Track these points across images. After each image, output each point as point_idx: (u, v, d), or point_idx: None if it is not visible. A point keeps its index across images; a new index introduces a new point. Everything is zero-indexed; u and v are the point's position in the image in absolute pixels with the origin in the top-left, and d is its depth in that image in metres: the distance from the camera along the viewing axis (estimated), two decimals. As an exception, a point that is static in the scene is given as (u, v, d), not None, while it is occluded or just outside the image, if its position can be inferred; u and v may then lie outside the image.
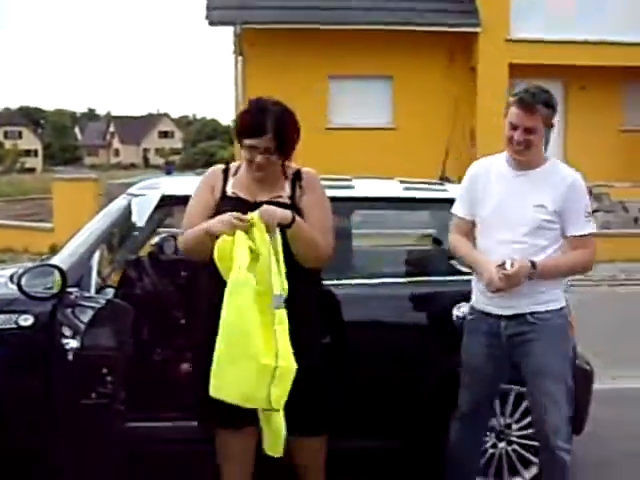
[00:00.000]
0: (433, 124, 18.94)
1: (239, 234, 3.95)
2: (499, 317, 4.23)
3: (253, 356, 3.80)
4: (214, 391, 3.92)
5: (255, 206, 4.13)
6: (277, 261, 3.97)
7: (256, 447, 4.23)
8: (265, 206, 4.06)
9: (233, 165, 4.36)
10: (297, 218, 4.09)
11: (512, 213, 4.16)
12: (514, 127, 4.15)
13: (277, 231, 4.01)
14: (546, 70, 18.92)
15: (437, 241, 5.68)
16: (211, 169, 4.43)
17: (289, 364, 3.83)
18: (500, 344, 4.25)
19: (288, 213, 4.06)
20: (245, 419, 4.05)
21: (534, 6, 19.88)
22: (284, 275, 3.97)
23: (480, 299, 4.32)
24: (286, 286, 3.95)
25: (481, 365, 4.31)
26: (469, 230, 4.37)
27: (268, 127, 4.05)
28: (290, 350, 3.86)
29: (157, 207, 4.71)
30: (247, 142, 4.10)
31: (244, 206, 4.15)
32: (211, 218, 4.14)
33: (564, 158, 20.60)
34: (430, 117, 19.66)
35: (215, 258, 4.01)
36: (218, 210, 4.17)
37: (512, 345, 4.23)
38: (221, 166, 4.38)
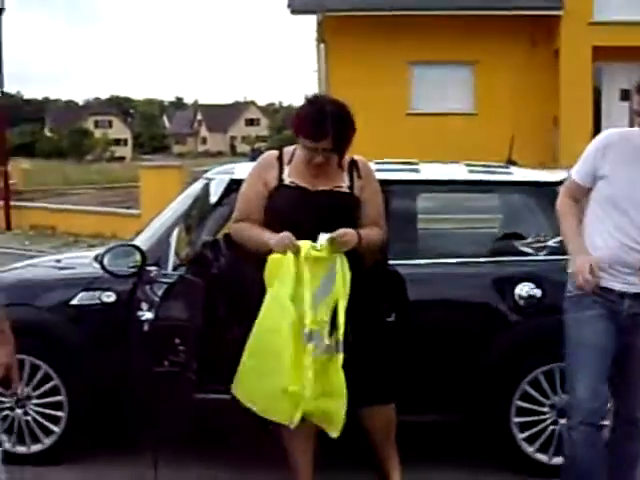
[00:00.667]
0: (514, 110, 18.87)
1: (289, 258, 4.09)
2: (622, 294, 3.95)
3: (280, 380, 4.00)
4: (240, 395, 4.15)
5: (316, 194, 4.31)
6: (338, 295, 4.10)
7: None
8: (338, 234, 4.17)
9: (287, 151, 4.45)
10: (362, 234, 4.25)
11: None
12: (637, 113, 3.86)
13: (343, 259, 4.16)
14: (630, 52, 18.67)
15: (502, 223, 5.81)
16: (264, 155, 4.54)
17: (313, 396, 4.03)
18: (619, 324, 3.96)
19: (354, 237, 4.21)
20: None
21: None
22: (341, 320, 4.07)
23: (604, 276, 3.95)
24: (341, 332, 4.07)
25: (602, 342, 3.95)
26: (582, 196, 4.10)
27: (328, 130, 4.16)
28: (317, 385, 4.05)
29: (228, 191, 4.93)
30: (307, 144, 4.23)
31: (304, 194, 4.32)
32: (269, 204, 4.31)
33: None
34: (513, 102, 19.58)
35: (267, 270, 4.18)
36: (276, 198, 4.33)
37: (634, 324, 3.96)
38: (275, 153, 4.48)
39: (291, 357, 4.00)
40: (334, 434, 4.21)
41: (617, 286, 3.95)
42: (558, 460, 4.96)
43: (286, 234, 4.15)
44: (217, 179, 5.24)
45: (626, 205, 3.90)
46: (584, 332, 3.98)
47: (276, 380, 4.01)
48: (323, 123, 4.17)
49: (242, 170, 4.89)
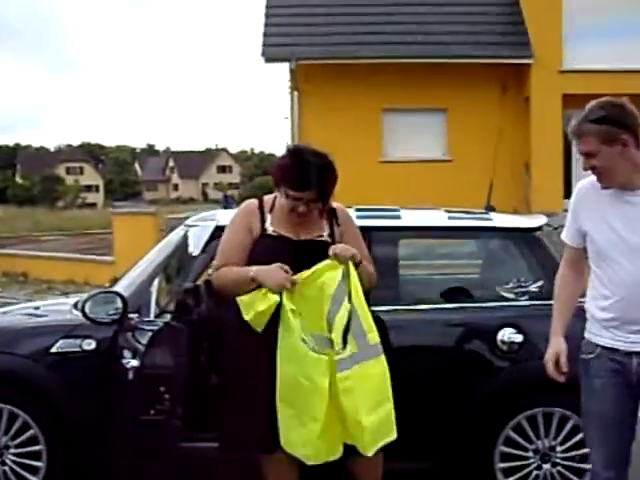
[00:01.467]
0: (488, 155, 18.96)
1: (286, 296, 4.11)
2: (629, 354, 3.65)
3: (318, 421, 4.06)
4: (286, 446, 4.14)
5: (299, 245, 4.33)
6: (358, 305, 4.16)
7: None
8: (340, 245, 4.24)
9: (267, 200, 4.47)
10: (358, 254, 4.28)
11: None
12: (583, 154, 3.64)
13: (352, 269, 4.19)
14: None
15: (482, 268, 5.84)
16: (245, 204, 4.53)
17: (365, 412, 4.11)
18: (630, 384, 3.66)
19: (352, 249, 4.25)
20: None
21: (586, 37, 19.92)
22: (366, 319, 4.16)
23: (603, 334, 3.74)
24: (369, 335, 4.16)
25: (611, 411, 3.68)
26: (580, 259, 3.88)
27: (312, 182, 4.20)
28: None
29: (212, 237, 4.93)
30: (291, 194, 4.24)
31: (288, 245, 4.33)
32: (252, 254, 4.31)
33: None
34: (485, 148, 19.70)
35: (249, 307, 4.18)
36: (260, 248, 4.33)
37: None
38: (255, 201, 4.48)
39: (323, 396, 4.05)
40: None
41: (622, 345, 3.67)
42: (542, 504, 4.99)
43: (278, 265, 4.15)
44: (200, 226, 5.23)
45: (615, 254, 3.63)
46: (593, 401, 3.74)
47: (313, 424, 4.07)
48: (307, 174, 4.20)
49: (225, 217, 4.90)
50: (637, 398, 3.68)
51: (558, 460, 5.01)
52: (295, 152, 4.38)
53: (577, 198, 3.81)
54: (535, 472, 5.00)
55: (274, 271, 4.17)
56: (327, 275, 4.16)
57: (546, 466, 5.00)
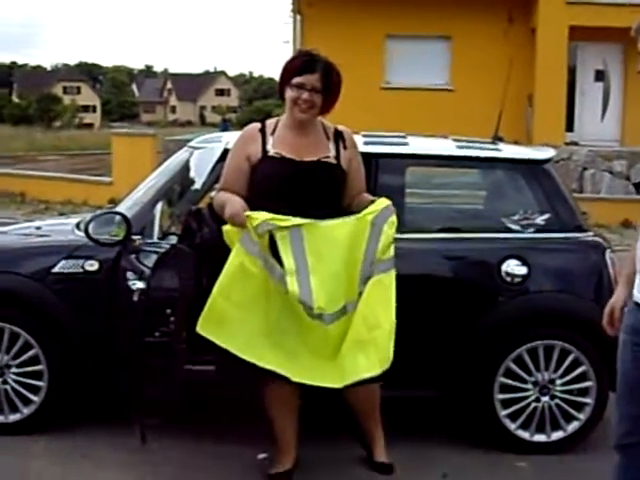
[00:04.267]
0: (491, 86, 18.79)
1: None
2: None
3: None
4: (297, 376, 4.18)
5: (303, 165, 4.29)
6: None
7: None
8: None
9: (269, 122, 4.46)
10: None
11: None
12: None
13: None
14: (606, 33, 18.68)
15: (488, 199, 5.79)
16: (246, 129, 4.52)
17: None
18: None
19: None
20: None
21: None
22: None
23: (637, 286, 3.35)
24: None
25: (628, 371, 3.36)
26: None
27: (318, 67, 4.26)
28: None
29: (219, 160, 4.86)
30: (296, 80, 4.26)
31: (291, 165, 4.29)
32: (255, 177, 4.31)
33: (622, 124, 20.38)
34: (489, 79, 19.52)
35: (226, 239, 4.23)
36: (261, 170, 4.31)
37: None
38: (257, 125, 4.47)
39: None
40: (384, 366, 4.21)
41: None
42: (540, 437, 5.03)
43: (238, 201, 4.19)
44: (206, 147, 5.17)
45: None
46: (618, 357, 3.43)
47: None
48: (313, 61, 4.30)
49: (232, 139, 4.83)
50: None
51: (557, 393, 5.01)
52: (302, 50, 4.57)
53: None
54: (533, 404, 5.01)
55: (232, 204, 4.19)
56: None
57: (544, 398, 5.01)
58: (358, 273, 4.19)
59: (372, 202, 4.31)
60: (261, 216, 4.09)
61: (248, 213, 4.11)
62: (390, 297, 4.25)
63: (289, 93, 4.30)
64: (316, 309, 4.08)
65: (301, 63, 4.30)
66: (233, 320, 4.11)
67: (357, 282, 4.21)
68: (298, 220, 4.11)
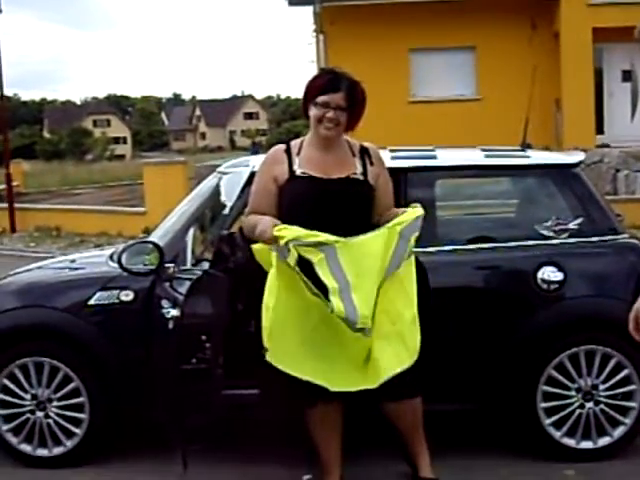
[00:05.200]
0: (518, 93, 18.69)
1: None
2: None
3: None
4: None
5: (331, 183, 4.29)
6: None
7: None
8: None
9: (294, 143, 4.47)
10: None
11: None
12: None
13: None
14: (630, 33, 18.48)
15: (520, 207, 5.74)
16: (271, 151, 4.54)
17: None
18: None
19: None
20: (330, 394, 4.19)
21: (616, -32, 19.47)
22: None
23: None
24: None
25: None
26: None
27: (342, 86, 4.27)
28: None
29: (247, 184, 4.87)
30: (321, 99, 4.27)
31: (318, 184, 4.30)
32: (283, 198, 4.30)
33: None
34: (515, 86, 19.44)
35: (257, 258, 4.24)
36: (289, 190, 4.31)
37: None
38: (282, 146, 4.49)
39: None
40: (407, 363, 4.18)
41: None
42: (586, 444, 4.97)
43: (269, 217, 4.17)
44: (234, 172, 5.20)
45: None
46: None
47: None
48: (337, 79, 4.30)
49: (258, 162, 4.84)
50: None
51: (601, 398, 4.96)
52: (326, 68, 4.44)
53: None
54: (578, 411, 4.95)
55: (263, 222, 4.17)
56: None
57: (589, 404, 4.96)
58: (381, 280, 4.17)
59: (403, 212, 4.29)
60: (291, 232, 4.07)
61: (278, 228, 4.10)
62: (408, 287, 4.23)
63: (314, 111, 4.31)
64: (359, 324, 4.06)
65: (325, 82, 4.30)
66: (278, 335, 4.09)
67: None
68: (328, 236, 4.08)
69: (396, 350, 4.16)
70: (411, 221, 4.22)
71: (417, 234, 4.26)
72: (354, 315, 4.04)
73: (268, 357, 4.04)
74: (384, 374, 4.13)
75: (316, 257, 4.04)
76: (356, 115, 4.37)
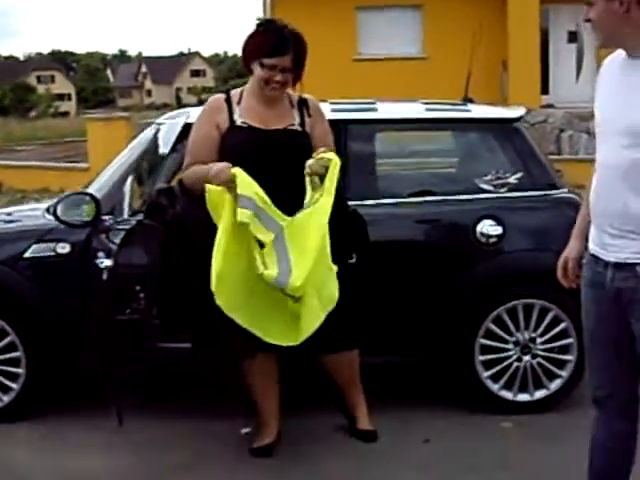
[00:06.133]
0: (465, 53, 18.68)
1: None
2: (605, 264, 3.11)
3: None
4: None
5: (270, 133, 4.27)
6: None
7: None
8: (311, 161, 4.14)
9: (234, 93, 4.42)
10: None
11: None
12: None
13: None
14: (577, -6, 18.63)
15: (460, 161, 5.75)
16: (211, 99, 4.49)
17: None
18: (607, 297, 3.12)
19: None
20: (265, 345, 4.19)
21: None
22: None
23: (591, 236, 3.22)
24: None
25: (592, 326, 3.25)
26: None
27: (289, 47, 4.19)
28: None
29: (182, 135, 4.80)
30: (267, 62, 4.20)
31: (259, 134, 4.27)
32: (222, 147, 4.25)
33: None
34: (461, 46, 19.36)
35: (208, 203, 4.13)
36: (229, 140, 4.27)
37: (620, 301, 3.08)
38: (222, 95, 4.44)
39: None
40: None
41: (599, 252, 3.14)
42: (523, 397, 5.03)
43: (224, 164, 4.10)
44: (169, 123, 5.12)
45: (600, 131, 3.14)
46: (582, 313, 3.31)
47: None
48: (284, 38, 4.21)
49: (195, 114, 4.76)
50: (615, 314, 3.11)
51: (538, 352, 5.01)
52: (267, 21, 4.46)
53: (598, 76, 3.25)
54: (515, 364, 5.00)
55: (217, 165, 4.13)
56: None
57: (526, 358, 5.00)
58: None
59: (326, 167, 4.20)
60: (250, 185, 4.02)
61: (235, 170, 4.04)
62: (321, 241, 4.13)
63: (259, 72, 4.25)
64: (288, 291, 4.03)
65: (272, 43, 4.20)
66: (226, 280, 4.02)
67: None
68: (279, 212, 4.05)
69: (312, 305, 4.11)
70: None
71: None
72: (284, 282, 4.00)
73: (217, 301, 3.98)
74: (304, 332, 4.10)
75: (267, 238, 4.03)
76: (303, 68, 4.33)
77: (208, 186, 4.11)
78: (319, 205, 4.12)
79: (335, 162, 4.16)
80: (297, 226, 4.09)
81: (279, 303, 4.12)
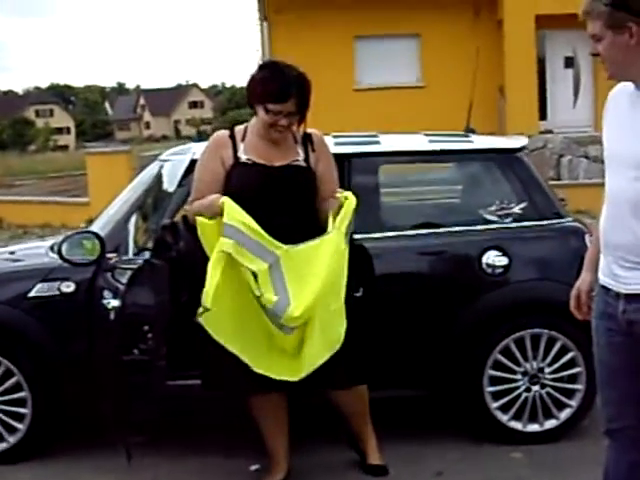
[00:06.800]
0: (462, 80, 18.74)
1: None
2: (617, 295, 3.09)
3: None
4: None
5: (275, 170, 4.26)
6: None
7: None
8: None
9: (238, 130, 4.40)
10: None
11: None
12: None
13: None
14: (573, 20, 18.62)
15: (464, 192, 5.75)
16: (215, 136, 4.46)
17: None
18: (619, 329, 3.10)
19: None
20: (272, 383, 4.15)
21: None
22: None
23: (601, 268, 3.20)
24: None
25: (604, 358, 3.21)
26: None
27: (292, 92, 4.16)
28: None
29: (188, 171, 4.80)
30: (272, 107, 4.17)
31: (264, 171, 4.26)
32: (227, 184, 4.23)
33: (595, 108, 20.38)
34: (459, 74, 19.51)
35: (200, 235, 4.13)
36: (234, 177, 4.26)
37: (632, 332, 3.06)
38: (226, 132, 4.41)
39: None
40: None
41: (610, 283, 3.12)
42: (533, 427, 5.00)
43: (216, 196, 4.11)
44: (174, 160, 5.12)
45: (610, 163, 3.11)
46: (594, 341, 3.27)
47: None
48: (286, 84, 4.17)
49: (199, 149, 4.76)
50: (636, 351, 3.08)
51: (547, 381, 4.98)
52: (269, 65, 4.35)
53: (605, 108, 3.22)
54: (524, 394, 4.97)
55: (210, 197, 4.15)
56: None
57: (535, 388, 4.98)
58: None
59: (341, 206, 4.23)
60: (239, 214, 4.01)
61: (223, 199, 4.05)
62: (338, 279, 4.13)
63: (263, 116, 4.22)
64: (283, 321, 4.00)
65: (274, 90, 4.16)
66: (216, 302, 3.99)
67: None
68: (273, 240, 4.02)
69: (316, 342, 4.08)
70: (352, 216, 4.18)
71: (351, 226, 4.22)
72: (282, 311, 3.98)
73: (202, 319, 3.96)
74: (305, 369, 4.07)
75: (259, 267, 3.98)
76: (307, 109, 4.30)
77: (198, 219, 4.12)
78: (326, 239, 4.11)
79: (350, 201, 4.17)
80: (296, 256, 4.07)
81: (271, 335, 4.09)
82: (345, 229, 4.15)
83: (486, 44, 19.69)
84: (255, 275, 3.99)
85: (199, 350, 4.28)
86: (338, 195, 4.23)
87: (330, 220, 4.18)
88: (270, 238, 4.03)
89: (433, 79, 20.36)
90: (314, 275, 4.05)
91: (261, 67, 4.34)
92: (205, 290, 3.95)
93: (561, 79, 20.96)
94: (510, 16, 19.94)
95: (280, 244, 4.05)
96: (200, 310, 3.96)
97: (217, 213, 4.06)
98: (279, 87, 4.17)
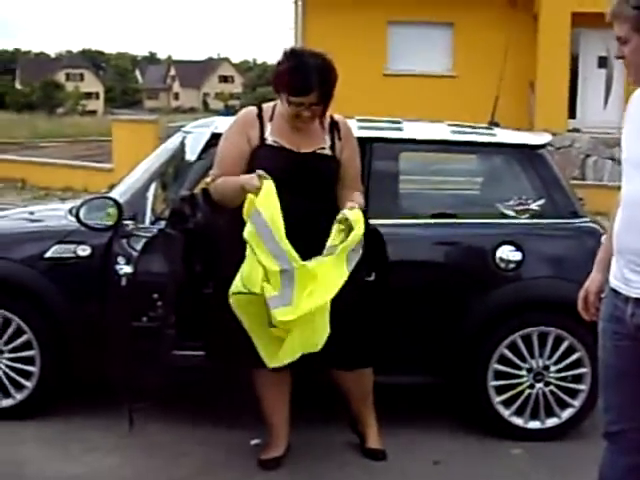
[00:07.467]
0: (493, 72, 18.65)
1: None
2: (626, 299, 3.08)
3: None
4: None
5: (300, 156, 4.25)
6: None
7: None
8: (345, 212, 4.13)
9: (266, 108, 4.36)
10: (360, 203, 4.27)
11: None
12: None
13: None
14: (609, 19, 18.55)
15: (483, 185, 5.75)
16: (242, 112, 4.42)
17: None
18: (627, 333, 3.09)
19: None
20: None
21: (599, -48, 19.45)
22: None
23: (612, 271, 3.18)
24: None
25: (610, 361, 3.21)
26: None
27: (314, 84, 4.11)
28: None
29: (208, 144, 4.82)
30: (293, 99, 4.14)
31: (289, 156, 4.25)
32: (251, 165, 4.19)
33: (625, 110, 20.25)
34: (491, 65, 19.34)
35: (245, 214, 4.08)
36: (260, 158, 4.23)
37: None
38: (254, 109, 4.37)
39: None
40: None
41: (621, 287, 3.11)
42: (534, 424, 5.01)
43: (260, 172, 4.05)
44: (196, 132, 5.14)
45: (628, 167, 3.09)
46: (600, 343, 3.27)
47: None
48: (308, 77, 4.11)
49: (223, 124, 4.78)
50: (634, 351, 3.09)
51: (551, 380, 4.99)
52: (293, 55, 4.23)
53: (626, 111, 3.25)
54: (528, 391, 4.98)
55: (246, 175, 4.12)
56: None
57: (539, 385, 4.99)
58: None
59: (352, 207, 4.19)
60: (268, 201, 3.98)
61: (266, 182, 4.00)
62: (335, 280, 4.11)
63: (287, 107, 4.20)
64: (274, 320, 4.00)
65: (296, 83, 4.12)
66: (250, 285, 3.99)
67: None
68: (294, 252, 3.99)
69: (294, 339, 4.04)
70: (356, 245, 4.14)
71: (358, 258, 4.17)
72: (276, 306, 3.96)
73: (233, 300, 3.97)
74: (283, 358, 4.07)
75: (271, 266, 3.96)
76: (331, 98, 4.24)
77: (249, 195, 4.05)
78: (332, 264, 4.09)
79: (358, 234, 4.12)
80: (308, 273, 4.04)
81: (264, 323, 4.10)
82: (347, 255, 4.10)
83: (520, 38, 19.55)
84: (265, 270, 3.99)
85: (206, 320, 4.31)
86: (350, 212, 4.16)
87: (334, 233, 4.14)
88: (291, 248, 3.99)
89: (464, 69, 20.24)
90: (319, 293, 4.04)
91: (286, 56, 4.22)
92: (244, 272, 3.96)
93: (593, 78, 20.79)
94: (546, 11, 19.77)
95: (298, 258, 4.00)
96: (234, 289, 3.96)
97: (254, 187, 4.02)
98: (301, 80, 4.11)
